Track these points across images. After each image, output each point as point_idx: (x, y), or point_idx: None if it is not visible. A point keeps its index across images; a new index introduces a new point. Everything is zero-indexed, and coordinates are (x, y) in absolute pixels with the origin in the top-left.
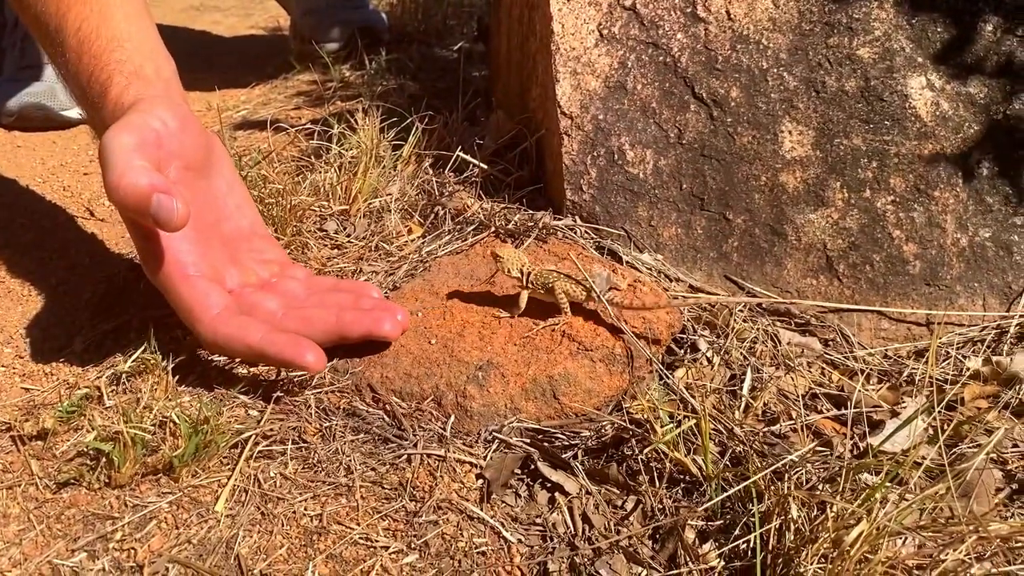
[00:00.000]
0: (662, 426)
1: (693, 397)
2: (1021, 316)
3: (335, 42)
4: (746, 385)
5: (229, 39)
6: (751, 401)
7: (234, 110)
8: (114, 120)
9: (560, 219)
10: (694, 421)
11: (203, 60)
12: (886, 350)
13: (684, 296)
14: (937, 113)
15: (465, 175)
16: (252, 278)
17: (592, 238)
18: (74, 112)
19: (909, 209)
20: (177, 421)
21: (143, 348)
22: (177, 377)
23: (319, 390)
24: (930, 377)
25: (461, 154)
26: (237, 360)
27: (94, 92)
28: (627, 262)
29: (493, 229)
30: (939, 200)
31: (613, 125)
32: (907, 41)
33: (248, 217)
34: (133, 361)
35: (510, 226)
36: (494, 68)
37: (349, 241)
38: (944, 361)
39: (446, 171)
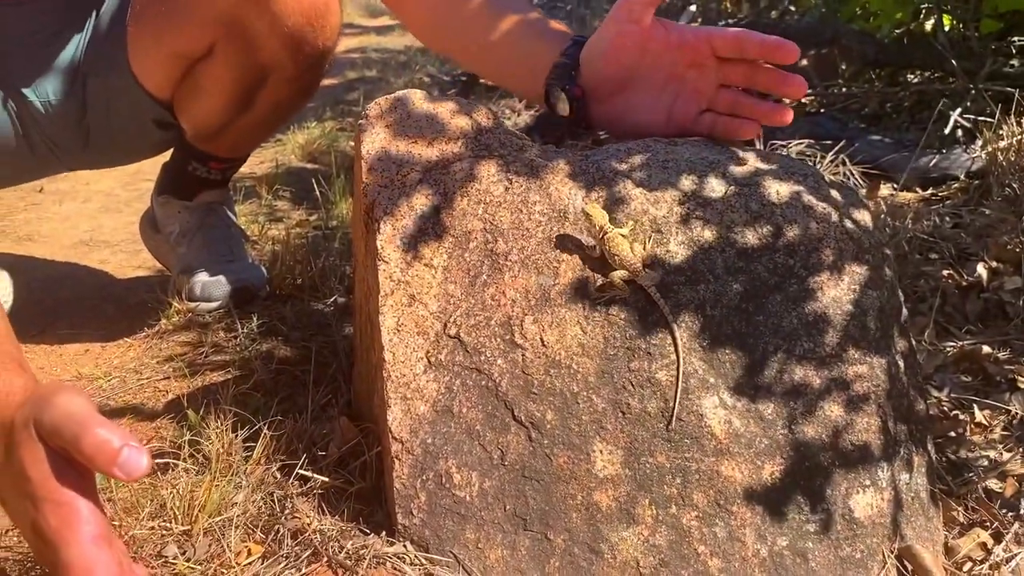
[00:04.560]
0: None
1: None
2: None
3: (212, 302)
4: None
5: (114, 283)
6: None
7: (104, 379)
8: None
9: (392, 544)
10: None
11: (87, 310)
12: None
13: None
14: (730, 430)
15: (309, 484)
16: (124, 566)
17: (421, 565)
18: None
19: (712, 524)
20: None
21: None
22: None
23: None
24: None
25: (301, 471)
26: None
27: None
28: None
29: (326, 559)
30: (737, 514)
31: (441, 448)
32: (700, 363)
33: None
34: None
35: (342, 555)
36: (355, 344)
37: (189, 568)
38: None
39: (290, 480)
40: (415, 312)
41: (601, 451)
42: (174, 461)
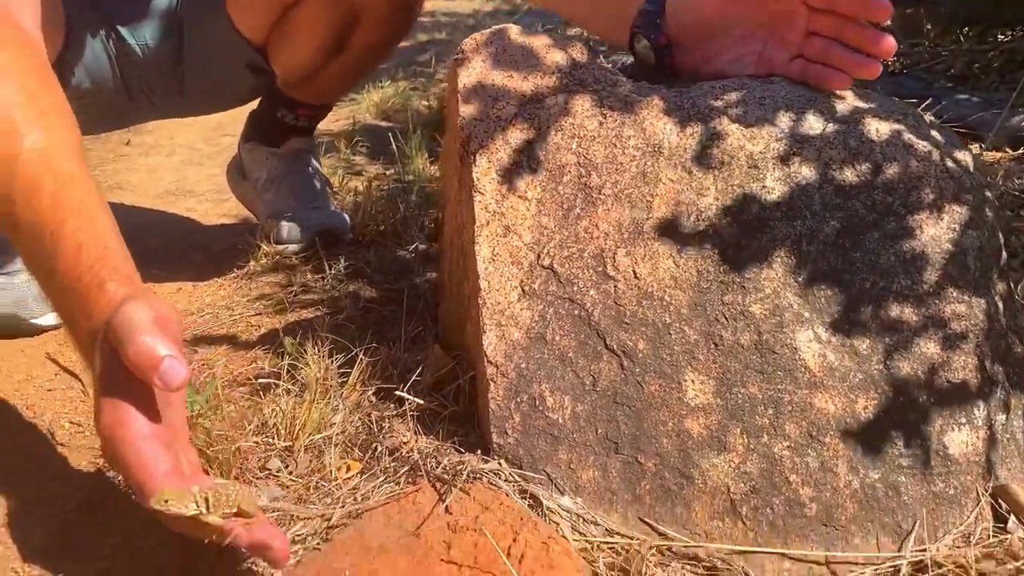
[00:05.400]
0: None
1: None
2: (912, 555)
3: (297, 244)
4: None
5: (201, 229)
6: None
7: (198, 314)
8: (106, 318)
9: (487, 462)
10: None
11: (176, 255)
12: None
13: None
14: (824, 364)
15: (403, 408)
16: (184, 468)
17: (516, 482)
18: (44, 319)
19: (804, 454)
20: None
21: None
22: None
23: None
24: None
25: (400, 392)
26: None
27: (85, 296)
28: (548, 507)
29: (424, 474)
30: (830, 446)
31: (534, 373)
32: (795, 298)
33: (184, 416)
34: None
35: (439, 470)
36: (441, 284)
37: (291, 480)
38: None
39: (387, 403)
40: (509, 242)
41: (693, 380)
42: (275, 382)
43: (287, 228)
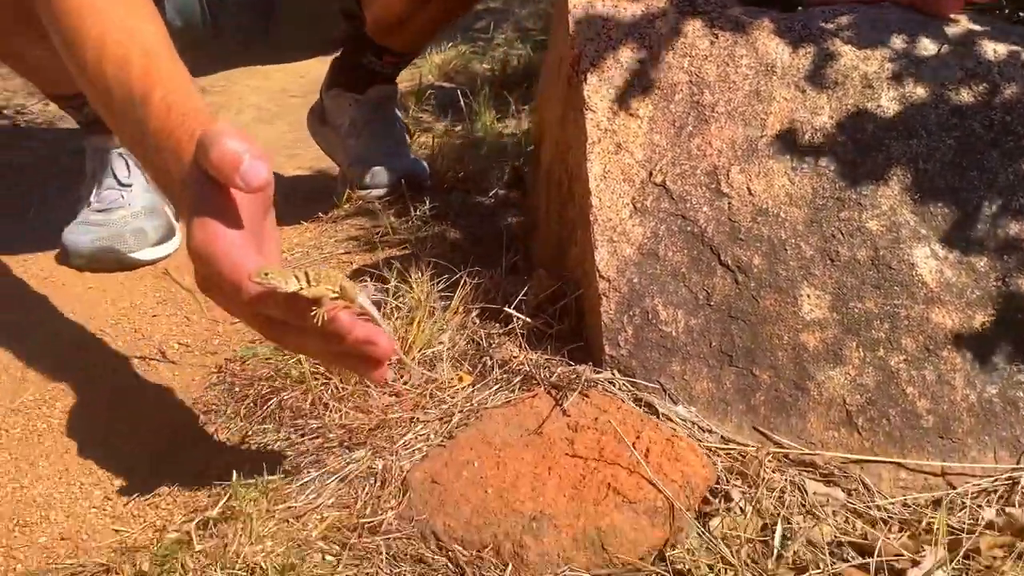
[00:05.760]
0: None
1: (728, 548)
2: None
3: (380, 188)
4: (777, 536)
5: (278, 180)
6: (782, 552)
7: (288, 252)
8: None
9: (600, 372)
10: (733, 574)
11: None
12: (905, 499)
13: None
14: (941, 279)
15: (509, 327)
16: None
17: (629, 391)
18: (141, 254)
19: (920, 368)
20: (265, 567)
21: (228, 496)
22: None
23: (388, 536)
24: (948, 527)
25: (509, 310)
26: (313, 506)
27: (177, 146)
28: (663, 414)
29: (537, 382)
30: (947, 359)
31: (647, 288)
32: (911, 215)
33: (274, 224)
34: (220, 508)
35: (553, 378)
36: (531, 220)
37: (406, 388)
38: (960, 511)
39: (492, 323)
40: (621, 160)
41: (808, 295)
42: (384, 299)
43: (372, 173)
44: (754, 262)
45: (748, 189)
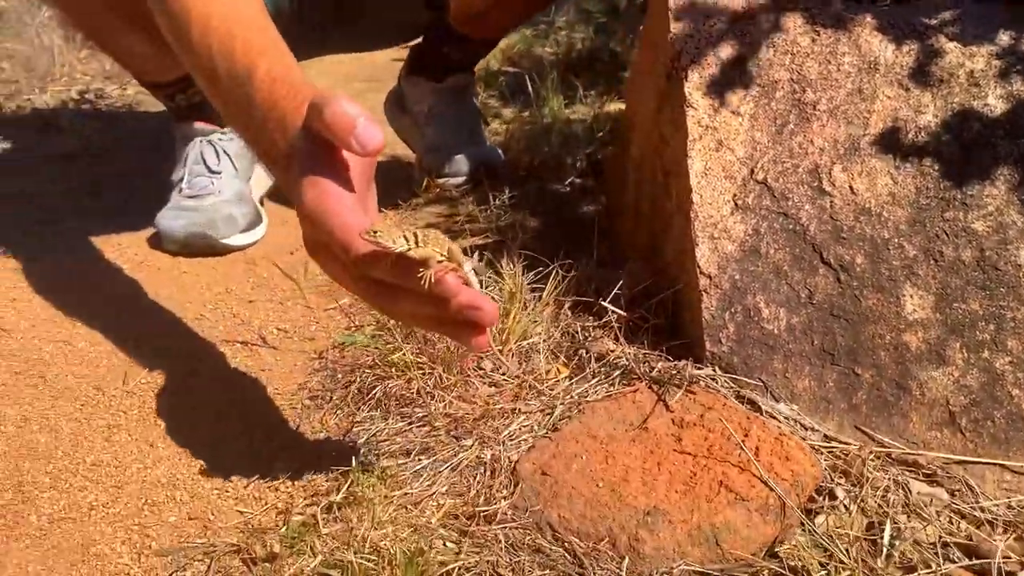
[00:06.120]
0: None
1: (838, 545)
2: None
3: (459, 177)
4: (887, 534)
5: None
6: (891, 551)
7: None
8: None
9: (701, 368)
10: (847, 573)
11: None
12: (1010, 501)
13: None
14: None
15: (604, 320)
16: None
17: (731, 387)
18: (232, 240)
19: None
20: (393, 552)
21: (349, 482)
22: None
23: (504, 526)
24: None
25: (604, 303)
26: (429, 493)
27: (282, 117)
28: (765, 411)
29: (638, 376)
30: None
31: (748, 285)
32: (1019, 215)
33: (374, 192)
34: (344, 494)
35: (653, 373)
36: (616, 210)
37: (504, 380)
38: None
39: (585, 315)
40: (722, 157)
41: (911, 295)
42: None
43: (451, 161)
44: (856, 261)
45: (850, 188)
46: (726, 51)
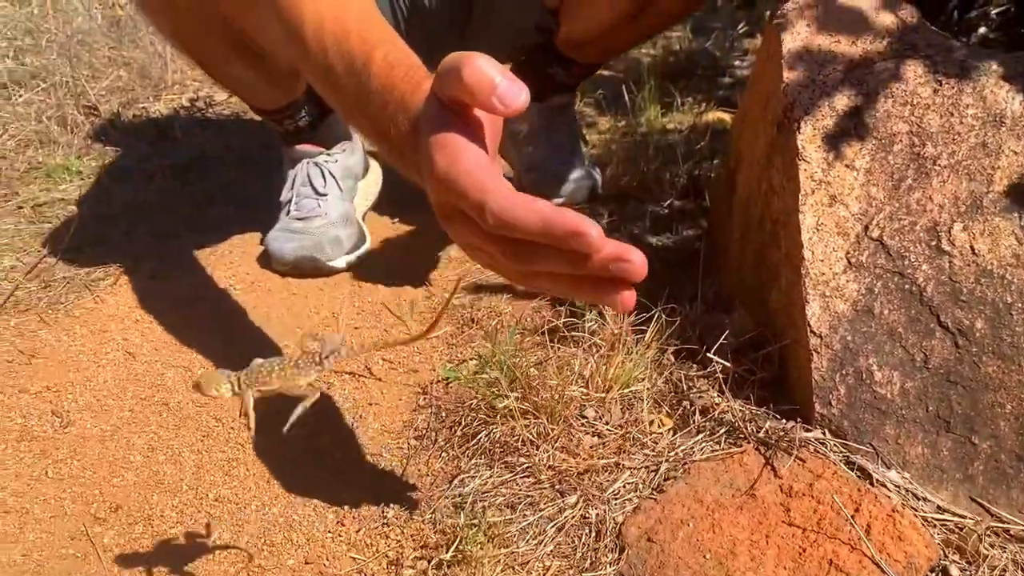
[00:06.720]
0: None
1: None
2: None
3: (558, 199)
4: None
5: None
6: None
7: (468, 263)
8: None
9: (810, 431)
10: None
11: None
12: None
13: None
14: None
15: (708, 369)
16: None
17: (841, 452)
18: (337, 262)
19: None
20: None
21: (458, 540)
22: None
23: None
24: None
25: (710, 355)
26: (535, 554)
27: (403, 98)
28: (876, 479)
29: (744, 436)
30: None
31: (861, 346)
32: None
33: (498, 158)
34: (452, 552)
35: (761, 434)
36: (720, 247)
37: (608, 430)
38: None
39: (689, 363)
40: (835, 213)
41: None
42: (571, 334)
43: (547, 180)
44: (976, 326)
45: (971, 248)
46: (841, 102)
